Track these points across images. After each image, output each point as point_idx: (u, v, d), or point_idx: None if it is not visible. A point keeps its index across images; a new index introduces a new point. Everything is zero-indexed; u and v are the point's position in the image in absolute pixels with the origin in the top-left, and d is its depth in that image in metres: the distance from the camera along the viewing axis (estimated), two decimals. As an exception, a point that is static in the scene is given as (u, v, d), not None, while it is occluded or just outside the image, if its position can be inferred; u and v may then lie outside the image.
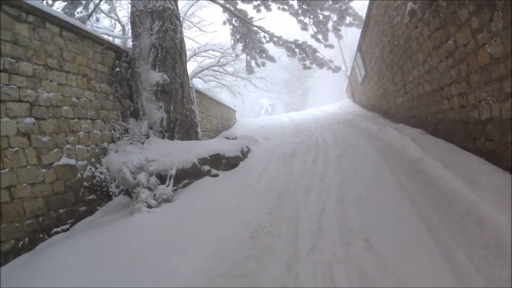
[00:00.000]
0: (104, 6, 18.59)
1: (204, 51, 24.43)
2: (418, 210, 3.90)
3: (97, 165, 6.46)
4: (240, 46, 14.72)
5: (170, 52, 8.51)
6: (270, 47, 14.28)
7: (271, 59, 14.16)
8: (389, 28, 8.24)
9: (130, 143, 7.27)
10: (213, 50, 24.25)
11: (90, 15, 13.61)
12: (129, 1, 8.89)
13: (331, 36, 13.85)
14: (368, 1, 10.05)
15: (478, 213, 3.45)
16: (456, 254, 2.97)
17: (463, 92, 4.84)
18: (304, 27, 13.35)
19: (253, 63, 14.83)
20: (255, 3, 13.05)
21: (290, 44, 13.56)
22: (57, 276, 3.64)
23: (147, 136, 7.74)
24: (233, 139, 9.37)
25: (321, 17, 13.01)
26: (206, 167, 7.02)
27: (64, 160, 5.60)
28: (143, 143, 7.32)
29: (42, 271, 3.74)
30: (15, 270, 3.91)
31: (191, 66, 25.69)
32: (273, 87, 36.57)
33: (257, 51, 13.99)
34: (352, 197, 4.89)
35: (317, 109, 24.77)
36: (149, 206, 5.24)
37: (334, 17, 13.20)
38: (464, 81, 4.72)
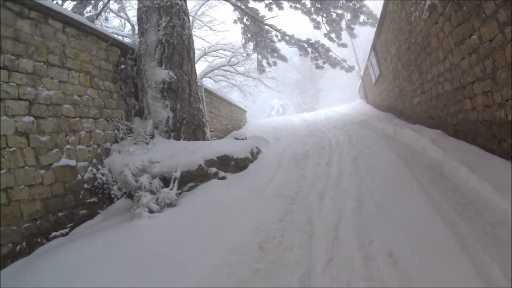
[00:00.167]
0: (114, 6, 18.60)
1: (215, 51, 24.18)
2: (445, 219, 3.57)
3: (99, 167, 6.25)
4: (251, 45, 14.49)
5: (178, 48, 8.23)
6: (282, 47, 14.04)
7: (283, 58, 13.92)
8: (406, 25, 7.93)
9: (134, 144, 7.02)
10: (224, 50, 24.02)
11: (99, 14, 13.54)
12: (138, -1, 8.70)
13: (344, 35, 13.56)
14: (383, -1, 9.73)
15: (510, 222, 3.14)
16: (492, 270, 2.65)
17: (488, 90, 4.55)
18: (317, 26, 13.08)
19: (264, 62, 14.59)
20: (267, 1, 12.84)
21: (302, 43, 13.32)
22: (54, 283, 3.43)
23: (152, 136, 7.47)
24: (242, 139, 9.08)
25: (334, 15, 12.74)
26: (213, 169, 6.73)
27: (64, 161, 5.41)
28: (147, 143, 7.05)
29: (39, 278, 3.57)
30: (12, 275, 3.78)
31: (201, 66, 25.58)
32: (284, 88, 36.12)
33: (269, 50, 13.76)
34: (371, 203, 4.50)
35: (329, 110, 24.36)
36: (151, 211, 4.98)
37: (348, 16, 12.92)
38: (489, 78, 4.43)
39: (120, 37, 18.15)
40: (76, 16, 6.36)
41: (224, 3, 16.76)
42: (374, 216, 4.14)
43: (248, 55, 17.93)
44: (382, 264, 3.15)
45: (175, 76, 8.02)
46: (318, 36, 14.44)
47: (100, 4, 13.38)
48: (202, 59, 23.90)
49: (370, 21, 12.91)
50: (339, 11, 12.77)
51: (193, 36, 23.29)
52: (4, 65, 4.58)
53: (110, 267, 3.66)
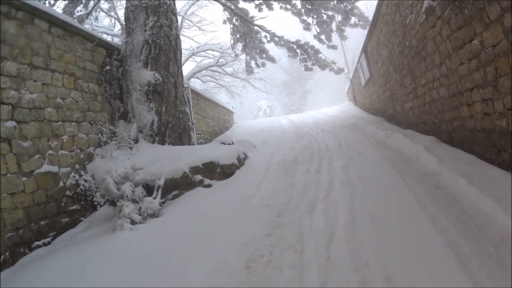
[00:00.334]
0: (104, 5, 18.25)
1: (203, 51, 23.92)
2: (445, 238, 3.30)
3: (82, 172, 6.03)
4: (240, 46, 14.42)
5: (164, 49, 7.93)
6: (270, 48, 13.98)
7: (272, 59, 13.83)
8: (400, 27, 7.74)
9: (118, 148, 6.75)
10: (212, 50, 23.76)
11: (89, 13, 13.46)
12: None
13: (334, 37, 13.48)
14: (376, 1, 9.55)
15: (513, 242, 2.90)
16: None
17: (488, 98, 4.33)
18: (307, 27, 12.99)
19: (253, 63, 14.52)
20: (257, 2, 12.69)
21: (291, 45, 13.21)
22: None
23: (136, 141, 7.18)
24: (229, 144, 8.77)
25: (325, 17, 12.60)
26: (198, 177, 6.45)
27: (46, 167, 5.19)
28: (131, 148, 6.74)
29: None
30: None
31: (189, 66, 25.36)
32: (272, 89, 36.03)
33: (257, 51, 13.69)
34: (365, 218, 4.21)
35: (317, 112, 24.14)
36: (133, 222, 4.74)
37: (339, 18, 12.80)
38: (490, 86, 4.22)
39: (109, 37, 18.07)
40: (62, 16, 6.16)
41: (214, 3, 16.57)
42: (368, 232, 3.85)
43: (236, 55, 17.90)
44: (380, 291, 2.88)
45: (161, 78, 7.72)
46: (308, 37, 14.30)
47: (91, 4, 13.26)
48: (190, 59, 23.78)
49: (361, 23, 12.77)
50: (330, 13, 12.62)
51: (182, 36, 23.22)
52: (-12, 69, 4.34)
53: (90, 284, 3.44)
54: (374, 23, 10.62)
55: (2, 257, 4.16)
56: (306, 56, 13.22)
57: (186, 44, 33.11)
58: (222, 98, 26.73)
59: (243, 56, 16.33)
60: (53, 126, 5.48)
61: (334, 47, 13.41)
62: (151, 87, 7.59)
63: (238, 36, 13.80)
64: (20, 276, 3.76)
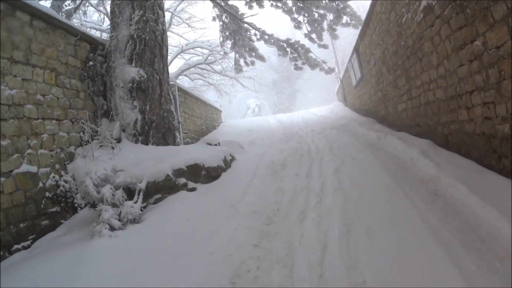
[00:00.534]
0: (94, 0, 17.94)
1: (192, 48, 23.78)
2: (448, 252, 3.06)
3: (62, 173, 5.75)
4: (229, 44, 14.19)
5: (150, 45, 7.60)
6: (260, 46, 13.78)
7: (261, 58, 13.67)
8: (395, 27, 7.54)
9: (100, 147, 6.42)
10: (201, 48, 23.62)
11: (77, 8, 13.18)
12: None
13: (325, 36, 13.28)
14: (370, 0, 9.35)
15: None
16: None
17: (490, 101, 4.14)
18: (298, 26, 12.78)
19: (242, 61, 14.34)
20: None
21: (282, 43, 13.01)
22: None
23: (119, 140, 6.82)
24: (215, 145, 8.47)
25: (316, 15, 12.39)
26: (182, 180, 6.13)
27: (25, 167, 4.95)
28: (113, 148, 6.39)
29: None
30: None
31: (178, 63, 25.03)
32: (261, 88, 35.91)
33: (247, 49, 13.51)
34: (361, 229, 3.91)
35: (306, 112, 23.86)
36: (112, 228, 4.44)
37: (330, 16, 12.60)
38: (492, 89, 4.02)
39: (98, 33, 17.62)
40: (45, 8, 5.87)
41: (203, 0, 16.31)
42: (365, 246, 3.54)
43: (225, 53, 17.69)
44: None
45: (146, 75, 7.39)
46: (298, 36, 14.12)
47: None
48: (179, 56, 23.63)
49: (353, 22, 12.60)
50: (322, 11, 12.41)
51: (171, 33, 22.92)
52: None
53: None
54: (367, 22, 10.43)
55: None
56: (296, 55, 13.01)
57: (175, 41, 32.71)
58: (210, 96, 26.49)
59: (232, 54, 16.12)
60: (33, 124, 5.21)
61: (325, 46, 13.22)
62: (135, 84, 7.27)
63: (227, 33, 13.57)
64: (4, 280, 3.58)
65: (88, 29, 18.00)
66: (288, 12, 12.63)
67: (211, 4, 13.21)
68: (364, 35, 11.40)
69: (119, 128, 6.91)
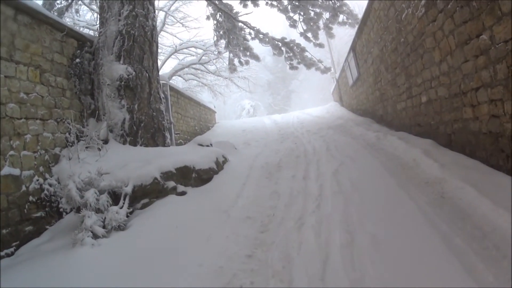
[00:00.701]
0: (86, -1, 17.54)
1: (186, 48, 23.53)
2: (462, 262, 2.79)
3: (47, 176, 5.47)
4: (223, 43, 13.86)
5: (139, 41, 7.28)
6: (255, 46, 13.47)
7: (256, 57, 13.37)
8: (394, 23, 7.33)
9: (86, 149, 6.11)
10: (195, 47, 23.38)
11: (69, 5, 12.92)
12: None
13: (321, 35, 12.94)
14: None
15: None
16: None
17: (497, 98, 3.95)
18: (293, 24, 12.49)
19: (236, 61, 14.00)
20: None
21: (277, 42, 12.70)
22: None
23: (106, 141, 6.51)
24: (207, 146, 8.11)
25: (312, 14, 12.10)
26: (171, 183, 5.79)
27: (7, 170, 4.69)
28: (99, 149, 6.08)
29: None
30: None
31: (171, 64, 24.77)
32: (255, 88, 35.69)
33: (241, 48, 13.20)
34: (365, 237, 3.59)
35: (302, 112, 23.65)
36: (96, 236, 4.15)
37: (326, 15, 12.31)
38: (501, 85, 3.84)
39: (92, 32, 17.23)
40: (30, 2, 5.59)
41: None
42: (370, 256, 3.21)
43: (219, 53, 17.43)
44: None
45: (134, 72, 7.06)
46: (293, 35, 13.87)
47: None
48: (173, 56, 23.40)
49: (350, 21, 12.30)
50: (318, 10, 12.11)
51: (165, 33, 22.56)
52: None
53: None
54: (364, 20, 10.26)
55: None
56: (291, 54, 12.69)
57: (168, 41, 32.40)
58: (205, 97, 26.28)
59: (226, 54, 15.86)
60: (16, 123, 4.95)
61: (321, 45, 12.95)
62: (123, 82, 6.94)
63: (221, 32, 13.27)
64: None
65: (81, 28, 17.70)
66: (284, 10, 12.35)
67: (205, 3, 12.95)
68: (361, 33, 11.22)
69: (106, 128, 6.60)
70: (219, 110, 29.71)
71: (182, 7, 23.03)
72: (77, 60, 6.65)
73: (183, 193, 5.83)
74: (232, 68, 14.39)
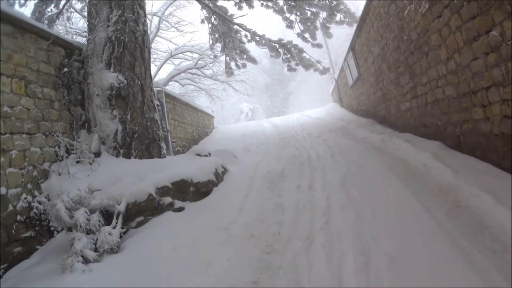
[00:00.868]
0: (77, 5, 17.16)
1: (181, 53, 23.37)
2: (486, 281, 2.57)
3: (35, 193, 5.09)
4: (219, 47, 13.68)
5: (129, 47, 6.93)
6: (251, 48, 13.31)
7: (253, 60, 13.19)
8: (396, 20, 7.06)
9: (77, 163, 5.78)
10: (191, 52, 23.24)
11: (60, 13, 12.50)
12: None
13: (318, 35, 12.78)
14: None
15: None
16: None
17: (510, 98, 3.76)
18: (290, 25, 12.27)
19: (233, 64, 13.78)
20: None
21: (274, 44, 12.49)
22: None
23: (98, 154, 6.18)
24: (205, 156, 7.75)
25: (309, 13, 11.87)
26: (168, 199, 5.42)
27: None
28: (91, 163, 5.76)
29: None
30: None
31: (167, 69, 24.57)
32: (253, 91, 35.59)
33: (237, 51, 13.01)
34: (381, 259, 3.21)
35: (301, 114, 23.37)
36: (86, 260, 3.82)
37: (323, 14, 12.13)
38: None
39: (84, 40, 16.93)
40: (12, 10, 5.36)
41: (192, 3, 15.93)
42: (389, 282, 2.86)
43: (215, 57, 17.27)
44: None
45: (125, 80, 6.70)
46: (290, 36, 13.68)
47: (62, 3, 12.41)
48: (168, 61, 23.20)
49: (348, 20, 12.15)
50: (314, 9, 11.89)
51: (160, 38, 22.35)
52: None
53: None
54: (363, 18, 9.99)
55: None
56: (289, 55, 12.48)
57: (164, 46, 32.22)
58: (202, 101, 26.08)
59: (222, 58, 15.80)
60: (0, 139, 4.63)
61: (319, 46, 12.70)
62: (114, 91, 6.58)
63: (217, 36, 13.09)
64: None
65: (73, 36, 17.45)
66: (280, 11, 12.14)
67: (199, 6, 12.77)
68: (361, 32, 10.96)
69: (98, 140, 6.25)
70: (217, 115, 29.55)
71: (176, 12, 22.89)
72: (65, 69, 6.33)
73: (180, 209, 5.49)
74: (229, 72, 14.21)
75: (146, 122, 6.84)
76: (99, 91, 6.51)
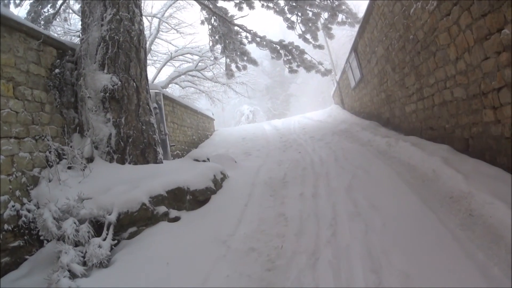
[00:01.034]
0: (76, 6, 16.81)
1: (182, 55, 23.33)
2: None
3: (24, 200, 4.89)
4: (219, 48, 13.56)
5: (124, 47, 6.68)
6: (252, 50, 13.21)
7: (253, 62, 13.08)
8: (401, 19, 6.84)
9: (69, 169, 5.54)
10: (191, 54, 23.19)
11: (56, 13, 12.31)
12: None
13: (319, 36, 12.62)
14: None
15: None
16: None
17: None
18: (291, 26, 12.08)
19: (233, 66, 13.69)
20: (236, 0, 11.74)
21: (275, 45, 12.36)
22: None
23: (91, 159, 5.94)
24: (203, 161, 7.40)
25: (310, 14, 11.70)
26: (162, 209, 5.12)
27: None
28: (83, 169, 5.51)
29: None
30: None
31: (167, 71, 24.45)
32: (254, 93, 35.61)
33: (238, 53, 12.88)
34: (394, 277, 2.93)
35: (302, 117, 23.25)
36: (74, 275, 3.57)
37: (325, 15, 11.94)
38: None
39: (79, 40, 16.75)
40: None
41: (192, 4, 15.81)
42: None
43: (216, 58, 17.12)
44: None
45: (120, 82, 6.45)
46: (291, 37, 13.53)
47: (59, 3, 12.22)
48: (168, 63, 23.12)
49: (350, 20, 11.92)
50: (316, 10, 11.72)
51: (160, 40, 22.21)
52: None
53: None
54: (366, 18, 9.79)
55: None
56: (290, 57, 12.34)
57: (164, 48, 32.12)
58: (202, 104, 25.97)
59: (223, 60, 15.67)
60: None
61: (320, 47, 12.58)
62: (107, 94, 6.33)
63: (217, 37, 12.96)
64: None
65: (72, 38, 17.26)
66: (280, 12, 11.97)
67: (199, 8, 12.69)
68: (364, 32, 10.77)
69: (90, 145, 6.00)
70: (218, 117, 29.45)
71: (176, 13, 22.90)
72: (57, 70, 6.10)
73: (176, 219, 5.21)
74: (229, 74, 14.11)
75: (141, 125, 6.59)
76: (92, 93, 6.28)
